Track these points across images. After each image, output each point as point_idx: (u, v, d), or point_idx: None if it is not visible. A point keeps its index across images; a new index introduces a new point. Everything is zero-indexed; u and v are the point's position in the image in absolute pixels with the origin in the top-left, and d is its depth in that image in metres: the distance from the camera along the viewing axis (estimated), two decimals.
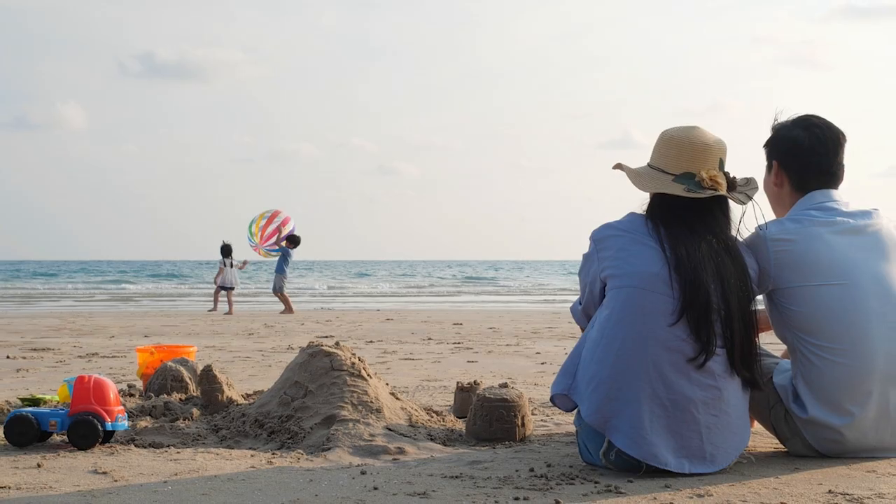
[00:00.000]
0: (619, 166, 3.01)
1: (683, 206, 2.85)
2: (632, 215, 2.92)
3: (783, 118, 3.18)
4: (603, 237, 2.90)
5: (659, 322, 2.74)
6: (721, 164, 2.89)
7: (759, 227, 3.02)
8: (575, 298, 3.17)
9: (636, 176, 2.94)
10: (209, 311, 16.43)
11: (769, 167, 3.19)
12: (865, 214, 3.06)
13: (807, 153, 3.08)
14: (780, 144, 3.15)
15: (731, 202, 2.93)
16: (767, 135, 3.21)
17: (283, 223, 16.75)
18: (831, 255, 2.95)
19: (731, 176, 2.91)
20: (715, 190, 2.83)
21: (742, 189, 2.95)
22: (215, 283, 17.06)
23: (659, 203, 2.88)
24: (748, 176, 3.01)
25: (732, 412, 2.80)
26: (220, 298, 16.79)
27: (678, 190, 2.83)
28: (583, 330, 3.05)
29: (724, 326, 2.77)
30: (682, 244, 2.79)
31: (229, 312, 15.95)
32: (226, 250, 16.84)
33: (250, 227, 16.82)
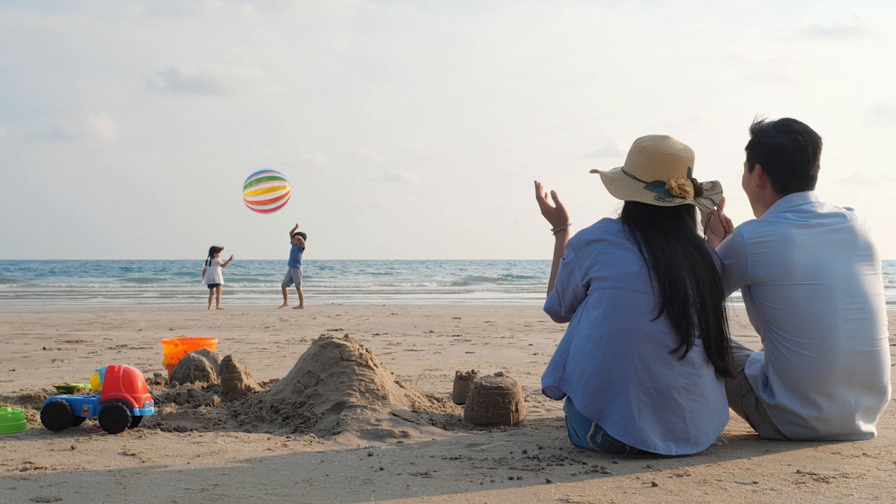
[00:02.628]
0: (595, 171, 3.01)
1: (656, 213, 2.86)
2: (605, 221, 2.92)
3: (761, 119, 3.12)
4: (582, 244, 2.89)
5: (641, 318, 2.74)
6: (689, 171, 2.89)
7: (737, 230, 3.01)
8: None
9: (610, 182, 2.93)
10: (217, 308, 16.07)
11: (751, 168, 3.13)
12: (839, 215, 3.02)
13: (789, 159, 3.03)
14: (764, 149, 3.08)
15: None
16: (742, 141, 3.17)
17: (277, 207, 14.55)
18: (804, 257, 2.92)
19: (698, 182, 2.92)
20: (683, 199, 2.84)
21: (708, 194, 2.96)
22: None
23: (633, 209, 2.88)
24: (713, 180, 3.01)
25: (710, 396, 2.81)
26: (220, 295, 16.65)
27: (649, 198, 2.84)
28: (559, 322, 3.07)
29: (700, 319, 2.78)
30: (659, 246, 2.80)
31: (209, 307, 15.84)
32: (210, 250, 16.71)
33: (250, 183, 14.43)
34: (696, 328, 2.77)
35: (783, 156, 3.04)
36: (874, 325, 2.95)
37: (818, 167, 3.08)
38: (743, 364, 3.09)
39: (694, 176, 2.91)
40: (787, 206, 3.03)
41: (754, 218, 3.13)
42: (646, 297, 2.75)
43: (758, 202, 3.16)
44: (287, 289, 16.45)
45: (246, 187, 14.65)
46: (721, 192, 3.00)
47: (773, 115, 3.13)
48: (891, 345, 2.99)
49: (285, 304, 16.28)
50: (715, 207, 2.99)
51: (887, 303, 3.29)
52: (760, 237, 2.96)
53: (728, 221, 3.34)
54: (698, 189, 2.91)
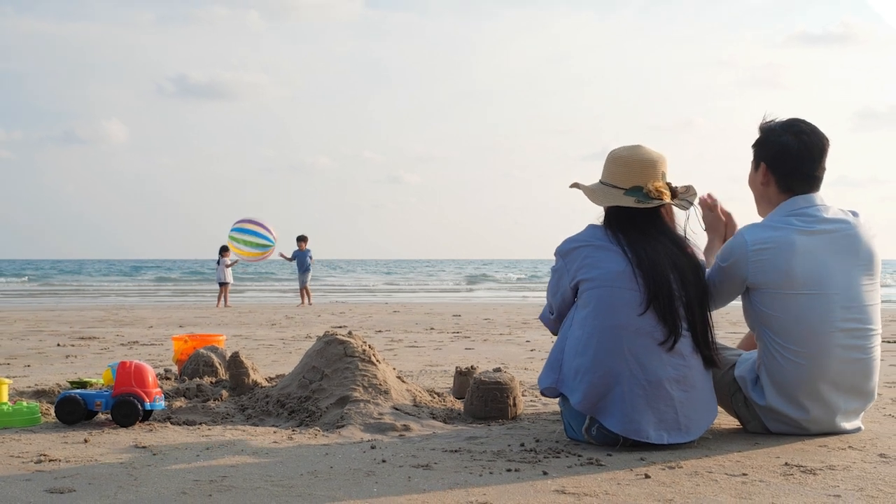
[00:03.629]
0: (575, 185, 3.02)
1: (636, 215, 2.89)
2: (591, 227, 2.95)
3: (771, 118, 3.05)
4: (568, 250, 2.92)
5: (629, 314, 2.77)
6: (664, 175, 2.92)
7: (740, 233, 2.97)
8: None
9: (591, 193, 2.97)
10: (225, 306, 16.09)
11: (756, 166, 3.06)
12: (844, 221, 2.95)
13: (795, 159, 2.96)
14: (770, 148, 3.01)
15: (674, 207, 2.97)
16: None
17: (260, 260, 15.00)
18: (806, 265, 2.86)
19: (673, 185, 2.94)
20: (661, 200, 2.87)
21: (683, 196, 2.99)
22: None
23: (615, 214, 2.91)
24: (687, 184, 3.02)
25: (700, 387, 2.83)
26: (228, 294, 16.84)
27: (629, 202, 2.87)
28: (554, 334, 3.05)
29: (687, 311, 2.81)
30: (641, 245, 2.84)
31: (217, 305, 15.98)
32: (220, 250, 16.94)
33: (240, 241, 14.35)
34: (684, 320, 2.80)
35: (788, 155, 2.97)
36: (868, 336, 2.93)
37: (824, 168, 3.00)
38: (732, 364, 3.09)
39: (668, 180, 2.94)
40: (792, 209, 2.94)
41: (758, 219, 3.07)
42: (632, 294, 2.78)
43: (762, 200, 3.08)
44: (303, 289, 16.94)
45: (235, 238, 14.45)
46: (695, 194, 3.02)
47: (781, 115, 3.08)
48: (884, 341, 2.94)
49: (304, 302, 16.65)
50: (691, 207, 3.00)
51: (882, 301, 3.28)
52: (763, 243, 2.89)
53: (728, 215, 3.33)
54: (673, 192, 2.94)
